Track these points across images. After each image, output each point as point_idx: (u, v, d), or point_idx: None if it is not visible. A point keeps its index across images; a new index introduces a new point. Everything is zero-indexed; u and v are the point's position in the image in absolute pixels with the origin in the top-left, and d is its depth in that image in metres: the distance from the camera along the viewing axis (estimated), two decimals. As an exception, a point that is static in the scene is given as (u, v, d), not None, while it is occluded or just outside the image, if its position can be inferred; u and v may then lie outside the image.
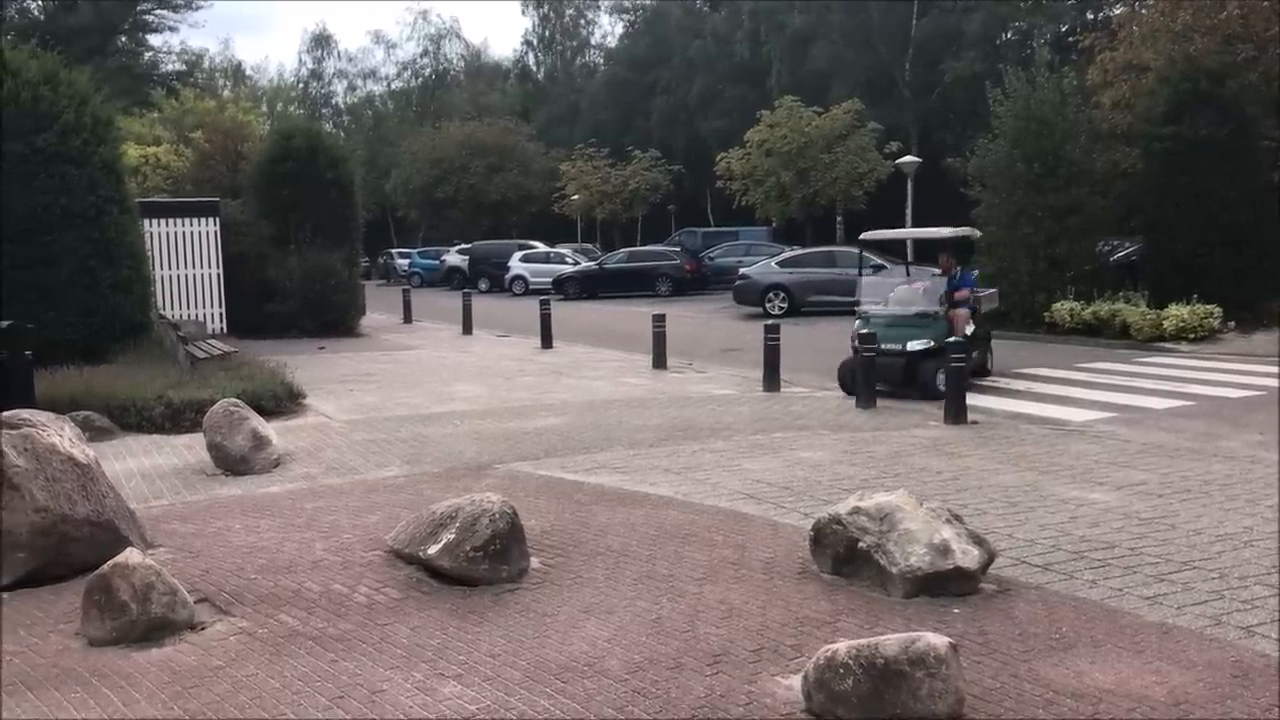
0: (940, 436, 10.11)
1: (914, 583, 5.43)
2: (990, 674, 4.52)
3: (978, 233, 14.18)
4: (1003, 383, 13.89)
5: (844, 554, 5.74)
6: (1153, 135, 20.50)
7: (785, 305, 25.51)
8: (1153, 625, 5.12)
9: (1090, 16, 39.80)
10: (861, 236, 15.26)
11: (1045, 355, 16.98)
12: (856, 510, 5.72)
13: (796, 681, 4.35)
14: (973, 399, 11.26)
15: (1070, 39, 34.54)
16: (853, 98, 39.21)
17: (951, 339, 11.94)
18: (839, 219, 40.05)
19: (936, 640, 4.06)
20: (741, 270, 27.78)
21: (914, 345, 12.67)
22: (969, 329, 12.91)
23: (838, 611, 5.28)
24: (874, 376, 12.10)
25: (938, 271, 14.15)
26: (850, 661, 4.06)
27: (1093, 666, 4.60)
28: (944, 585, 5.45)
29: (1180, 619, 5.21)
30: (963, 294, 13.35)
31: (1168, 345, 17.63)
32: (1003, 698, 4.29)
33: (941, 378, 12.01)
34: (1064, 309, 19.43)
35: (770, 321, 14.32)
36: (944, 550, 5.47)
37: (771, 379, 13.14)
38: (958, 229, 15.73)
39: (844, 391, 12.78)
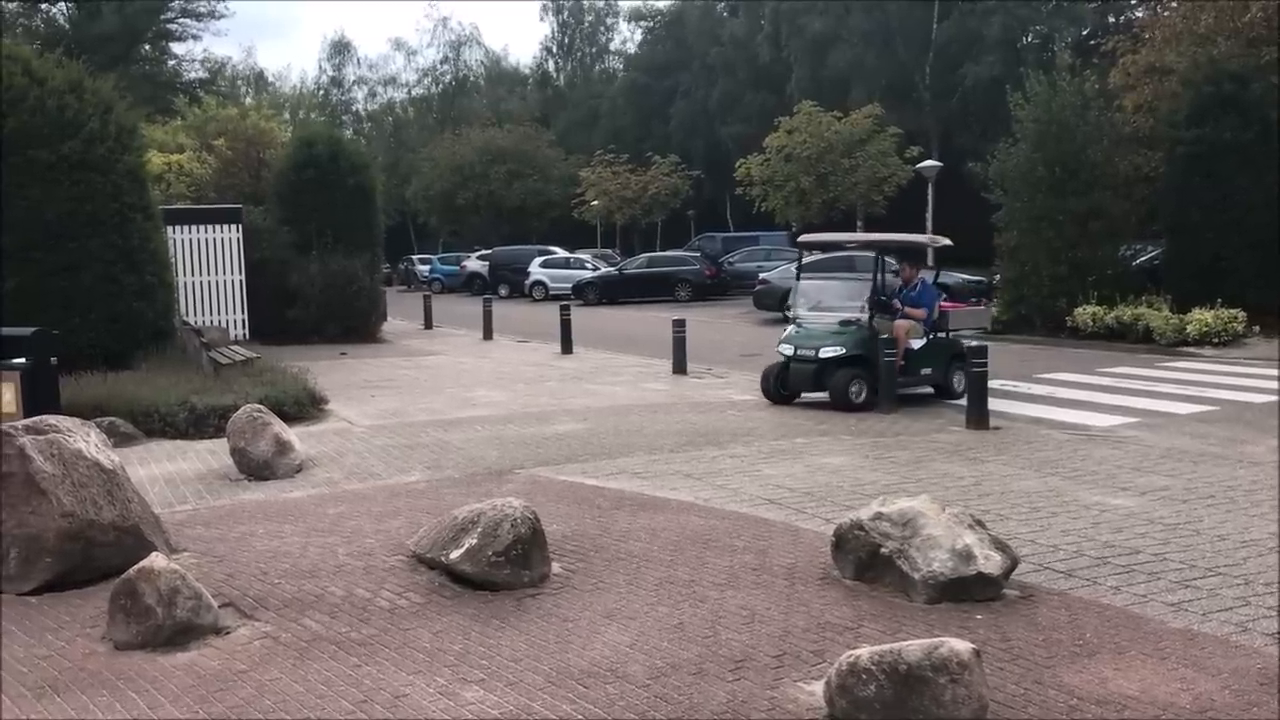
0: (962, 441, 10.08)
1: (936, 588, 5.41)
2: (1014, 680, 4.50)
3: (943, 240, 13.55)
4: (1024, 387, 13.83)
5: (866, 560, 5.73)
6: (1176, 138, 20.40)
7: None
8: (1177, 632, 5.09)
9: (1112, 20, 39.62)
10: (800, 239, 14.48)
11: (1067, 360, 16.90)
12: (879, 516, 5.71)
13: (819, 687, 4.35)
14: (994, 403, 11.19)
15: (1091, 42, 34.48)
16: (873, 102, 39.13)
17: (895, 349, 11.84)
18: (859, 224, 39.97)
19: (960, 646, 4.05)
20: (762, 275, 27.77)
21: (826, 352, 12.15)
22: (916, 343, 12.44)
23: (860, 617, 5.27)
24: (790, 381, 12.19)
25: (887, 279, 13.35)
26: (873, 667, 4.05)
27: (1117, 673, 4.57)
28: (967, 591, 5.43)
29: (1205, 625, 5.18)
30: (918, 312, 12.66)
31: (1191, 350, 17.52)
32: (1026, 704, 4.27)
33: (855, 388, 11.85)
34: (1086, 313, 19.34)
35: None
36: (966, 556, 5.45)
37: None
38: (910, 236, 15.35)
39: (765, 398, 12.57)
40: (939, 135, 45.41)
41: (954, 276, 26.37)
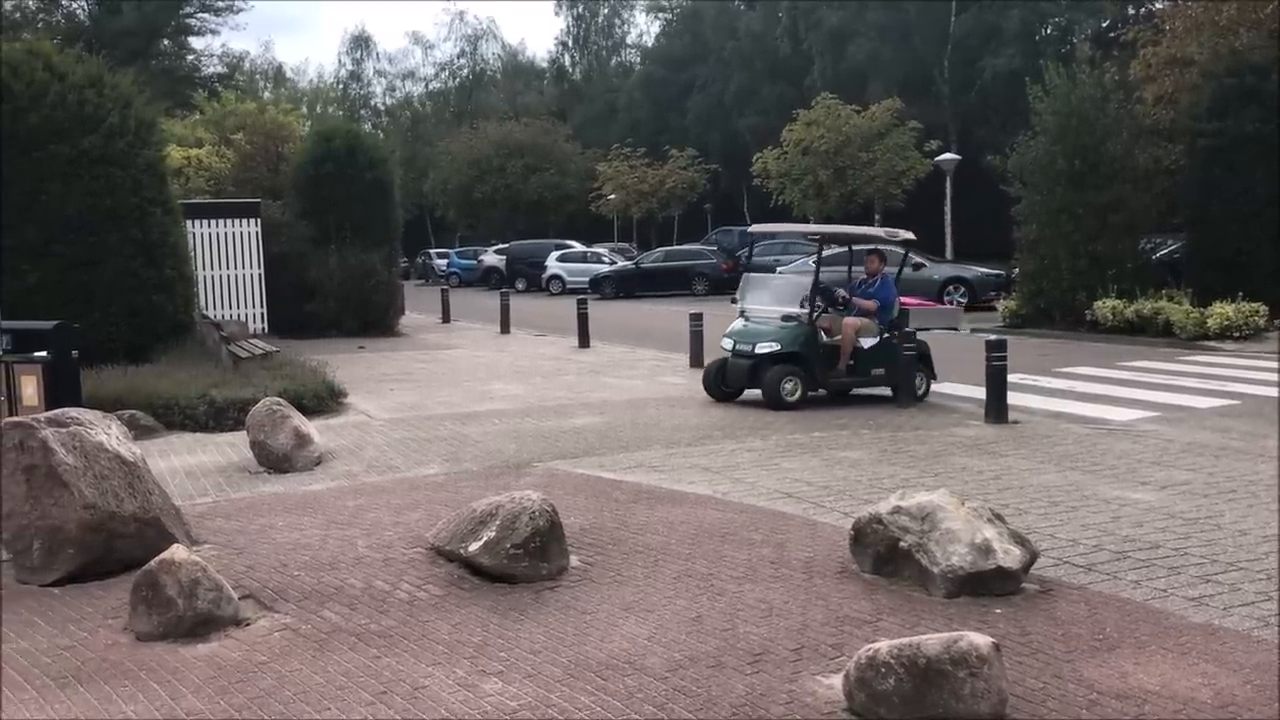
0: (981, 436, 10.05)
1: (955, 582, 5.40)
2: (1033, 674, 4.49)
3: (902, 235, 13.00)
4: (1044, 381, 13.77)
5: (885, 553, 5.72)
6: (1197, 131, 20.27)
7: (964, 304, 25.37)
8: (1198, 626, 5.06)
9: (1132, 11, 39.33)
10: (749, 229, 14.53)
11: (1087, 354, 16.82)
12: (897, 510, 5.70)
13: (837, 681, 4.34)
14: (1013, 397, 11.15)
15: (1111, 34, 34.24)
16: (891, 96, 38.99)
17: (860, 346, 11.63)
18: (877, 217, 39.85)
19: (979, 640, 4.04)
20: (779, 269, 27.70)
21: (761, 348, 11.83)
22: (867, 341, 12.02)
23: (878, 611, 5.26)
24: (728, 377, 12.01)
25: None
26: (892, 661, 4.04)
27: (1137, 668, 4.55)
28: (986, 585, 5.42)
29: (1227, 620, 5.15)
30: (867, 304, 12.25)
31: (1212, 344, 17.41)
32: (1046, 698, 4.26)
33: (789, 386, 11.54)
34: (1106, 307, 19.24)
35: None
36: (986, 550, 5.44)
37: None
38: (866, 229, 14.98)
39: (707, 394, 12.35)
40: (957, 129, 45.21)
41: (973, 270, 26.39)
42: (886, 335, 12.17)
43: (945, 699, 3.95)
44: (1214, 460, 8.78)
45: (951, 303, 24.77)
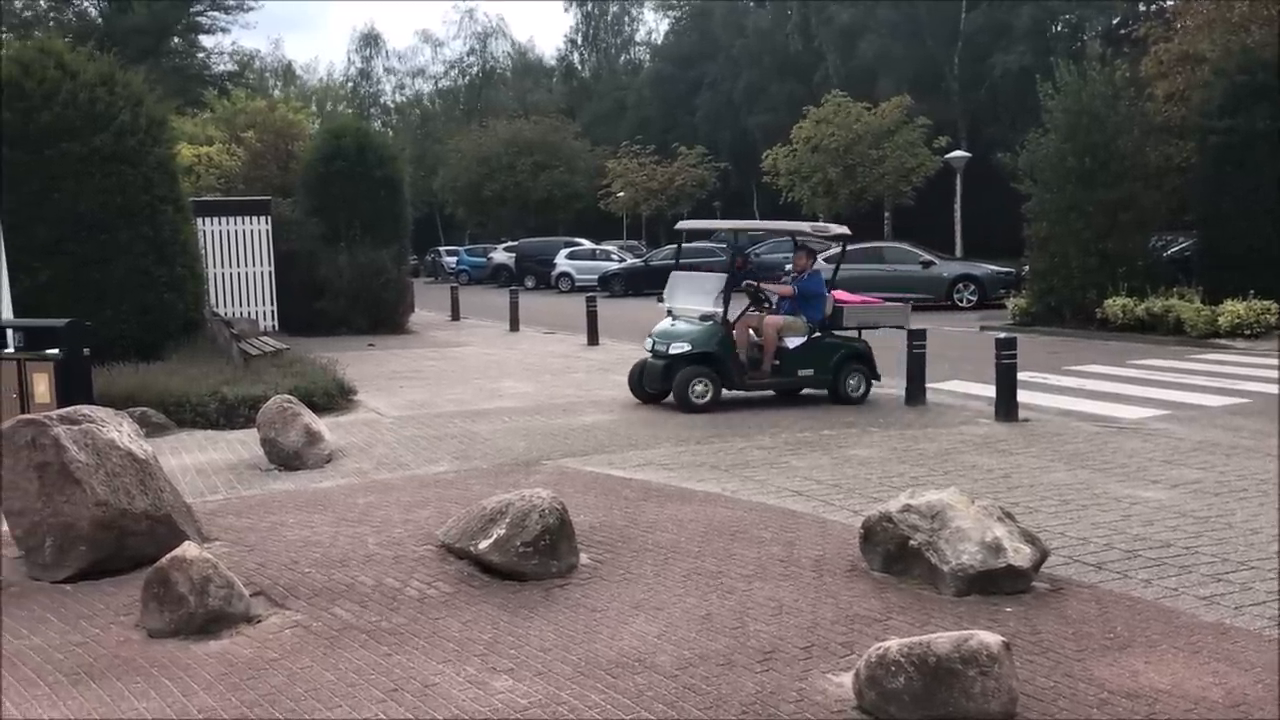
0: (991, 434, 10.03)
1: (965, 581, 5.39)
2: (1043, 673, 4.48)
3: (834, 229, 12.77)
4: (1054, 380, 13.74)
5: (894, 552, 5.71)
6: (1208, 128, 20.18)
7: (911, 303, 25.36)
8: (1209, 625, 5.05)
9: (1143, 8, 39.23)
10: (678, 225, 13.72)
11: (1097, 352, 16.78)
12: (907, 508, 5.70)
13: (847, 679, 4.35)
14: (1023, 396, 11.13)
15: (1122, 31, 34.14)
16: (901, 93, 38.93)
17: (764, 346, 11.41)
18: (887, 215, 39.82)
19: (989, 638, 4.03)
20: (787, 267, 27.68)
21: (675, 349, 11.58)
22: (793, 341, 11.77)
23: (888, 609, 5.26)
24: (646, 379, 11.84)
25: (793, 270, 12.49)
26: (902, 659, 4.04)
27: (1148, 666, 4.54)
28: (996, 584, 5.41)
29: (1238, 619, 5.14)
30: (781, 289, 12.14)
31: (1223, 342, 17.35)
32: (1056, 697, 4.25)
33: (699, 388, 11.26)
34: (1116, 305, 19.18)
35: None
36: (996, 548, 5.43)
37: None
38: (794, 224, 14.64)
39: (632, 394, 12.10)
40: (967, 126, 45.13)
41: (983, 268, 26.35)
42: (817, 335, 11.92)
43: (955, 698, 3.95)
44: (1225, 459, 8.76)
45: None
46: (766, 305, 12.22)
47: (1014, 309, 21.61)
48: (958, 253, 30.46)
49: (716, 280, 12.12)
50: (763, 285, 12.26)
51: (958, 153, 31.95)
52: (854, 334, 12.39)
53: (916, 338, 11.87)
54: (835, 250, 28.05)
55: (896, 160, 37.17)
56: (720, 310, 11.59)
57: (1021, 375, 11.32)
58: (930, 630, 4.69)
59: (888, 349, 12.79)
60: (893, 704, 4.04)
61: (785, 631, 4.97)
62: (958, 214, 31.31)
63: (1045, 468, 8.50)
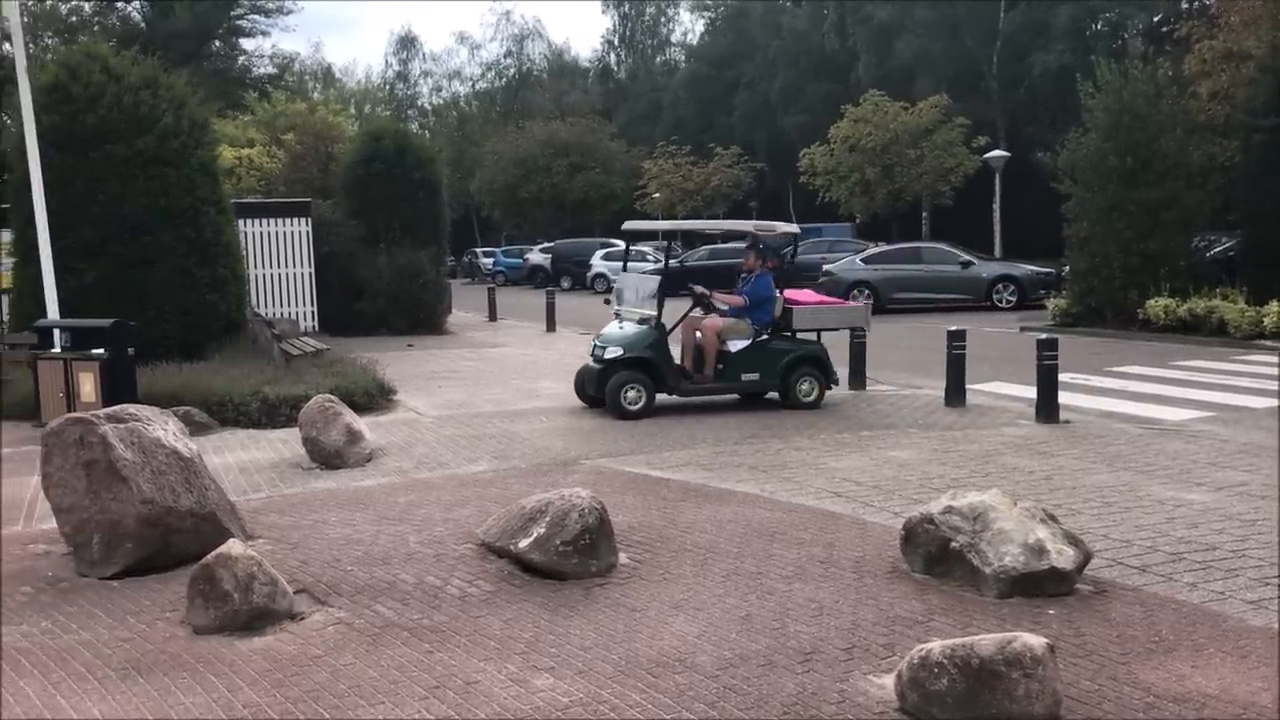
0: (1032, 435, 9.95)
1: (1008, 583, 5.35)
2: (1088, 676, 4.44)
3: (782, 227, 12.45)
4: (1095, 381, 13.61)
5: (936, 553, 5.68)
6: (1253, 127, 19.90)
7: (870, 302, 25.22)
8: (1258, 630, 4.99)
9: (1185, 5, 38.75)
10: (624, 226, 13.17)
11: (1139, 353, 16.60)
12: (949, 509, 5.66)
13: (889, 681, 4.33)
14: (1064, 397, 11.03)
15: (1164, 28, 33.74)
16: (939, 93, 38.71)
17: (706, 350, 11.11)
18: (925, 215, 39.59)
19: (1033, 640, 4.00)
20: (825, 267, 27.58)
21: (610, 353, 11.31)
22: (735, 344, 11.43)
23: (930, 611, 5.23)
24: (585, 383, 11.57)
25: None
26: (945, 661, 4.02)
27: (1195, 671, 4.49)
28: (1038, 586, 5.37)
29: (1287, 624, 5.07)
30: (732, 300, 11.68)
31: (1267, 342, 17.10)
32: (1101, 700, 4.22)
33: (632, 394, 10.97)
34: (1158, 306, 18.96)
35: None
36: (1039, 550, 5.39)
37: (857, 377, 13.02)
38: (742, 223, 14.31)
39: (579, 399, 11.86)
40: (1006, 125, 44.79)
41: (1022, 268, 26.15)
42: (764, 337, 11.60)
43: (999, 700, 3.92)
44: (1270, 461, 8.63)
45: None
46: (709, 306, 11.91)
47: (1054, 310, 21.42)
48: (997, 253, 30.23)
49: (645, 283, 11.95)
50: (715, 296, 11.89)
51: (996, 152, 31.70)
52: (812, 335, 12.00)
53: (956, 339, 11.78)
54: (876, 249, 28.05)
55: (934, 160, 36.96)
56: (654, 314, 11.29)
57: (1062, 376, 11.21)
58: (972, 632, 4.66)
59: (930, 350, 12.71)
60: (935, 706, 4.02)
61: (826, 632, 4.96)
62: (996, 214, 31.06)
63: (1087, 470, 8.42)
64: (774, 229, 12.52)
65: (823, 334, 12.12)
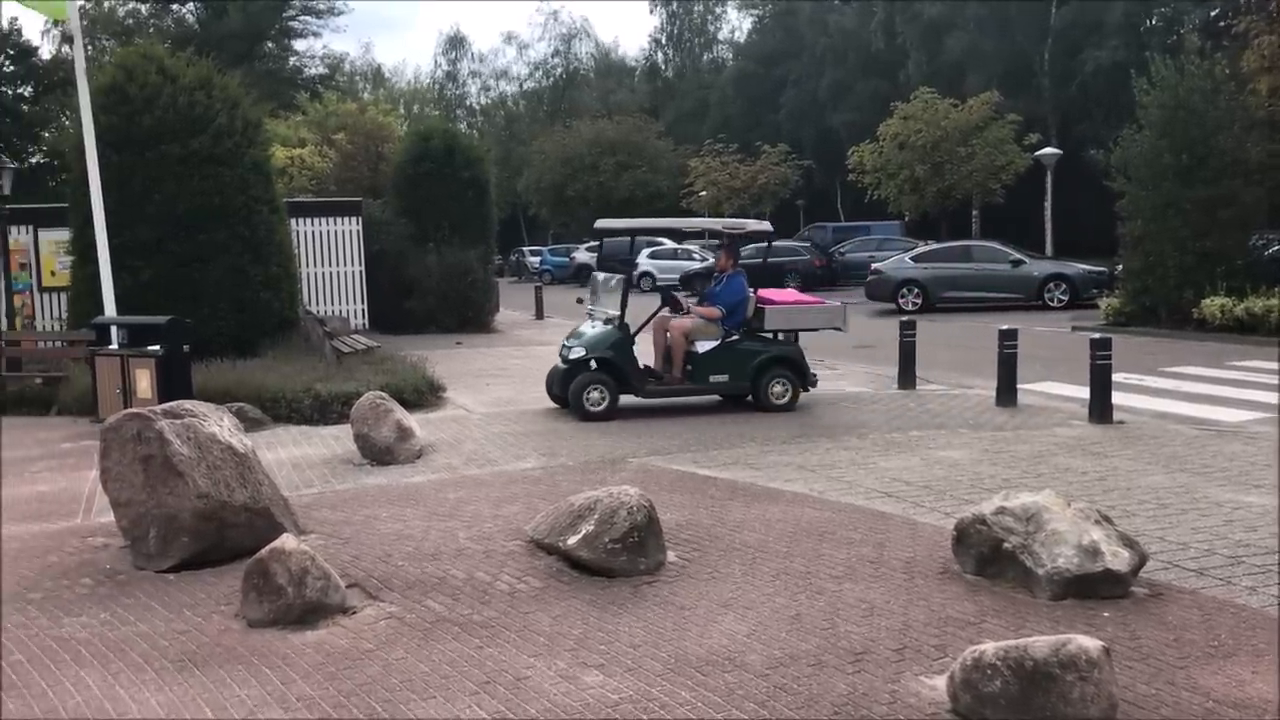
0: (1084, 436, 9.82)
1: (1061, 585, 5.29)
2: (1144, 680, 4.38)
3: (751, 224, 12.12)
4: (1149, 381, 13.41)
5: (988, 554, 5.63)
6: (1313, 122, 19.53)
7: (919, 301, 25.06)
8: (1319, 635, 4.89)
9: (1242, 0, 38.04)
10: (596, 224, 12.86)
11: (1194, 353, 16.33)
12: (1001, 510, 5.61)
13: (941, 682, 4.29)
14: (1117, 397, 10.88)
15: (1221, 24, 33.16)
16: (990, 89, 38.31)
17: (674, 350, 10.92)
18: (975, 213, 39.20)
19: (1088, 643, 3.95)
20: (874, 265, 27.41)
21: (574, 354, 11.17)
22: (704, 345, 11.22)
23: (982, 612, 5.18)
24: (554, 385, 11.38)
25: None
26: (998, 663, 3.98)
27: (1255, 676, 4.41)
28: (1092, 588, 5.30)
29: (1349, 629, 4.97)
30: (707, 312, 11.45)
31: (1328, 343, 16.76)
32: (1158, 705, 4.16)
33: (595, 395, 10.82)
34: (1214, 305, 18.63)
35: (906, 318, 14.09)
36: (1093, 552, 5.32)
37: (907, 376, 12.93)
38: (703, 220, 13.91)
39: (550, 399, 11.67)
40: (1058, 122, 44.25)
41: (1074, 267, 25.82)
42: (734, 338, 11.38)
43: (1053, 703, 3.88)
44: (1333, 464, 8.46)
45: (1055, 301, 24.22)
46: (678, 305, 11.79)
47: (1107, 309, 21.13)
48: (1048, 251, 29.89)
49: (610, 283, 11.80)
50: (693, 310, 11.72)
51: (1048, 150, 31.33)
52: (790, 336, 11.77)
53: (1007, 338, 11.65)
54: (925, 248, 27.80)
55: (985, 157, 36.60)
56: (616, 314, 11.16)
57: (1116, 376, 11.06)
58: (1025, 634, 4.62)
59: (980, 349, 12.59)
60: (988, 708, 3.98)
61: (876, 633, 4.93)
62: (1048, 212, 30.70)
63: (1142, 471, 8.30)
64: (743, 226, 12.40)
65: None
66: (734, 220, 12.19)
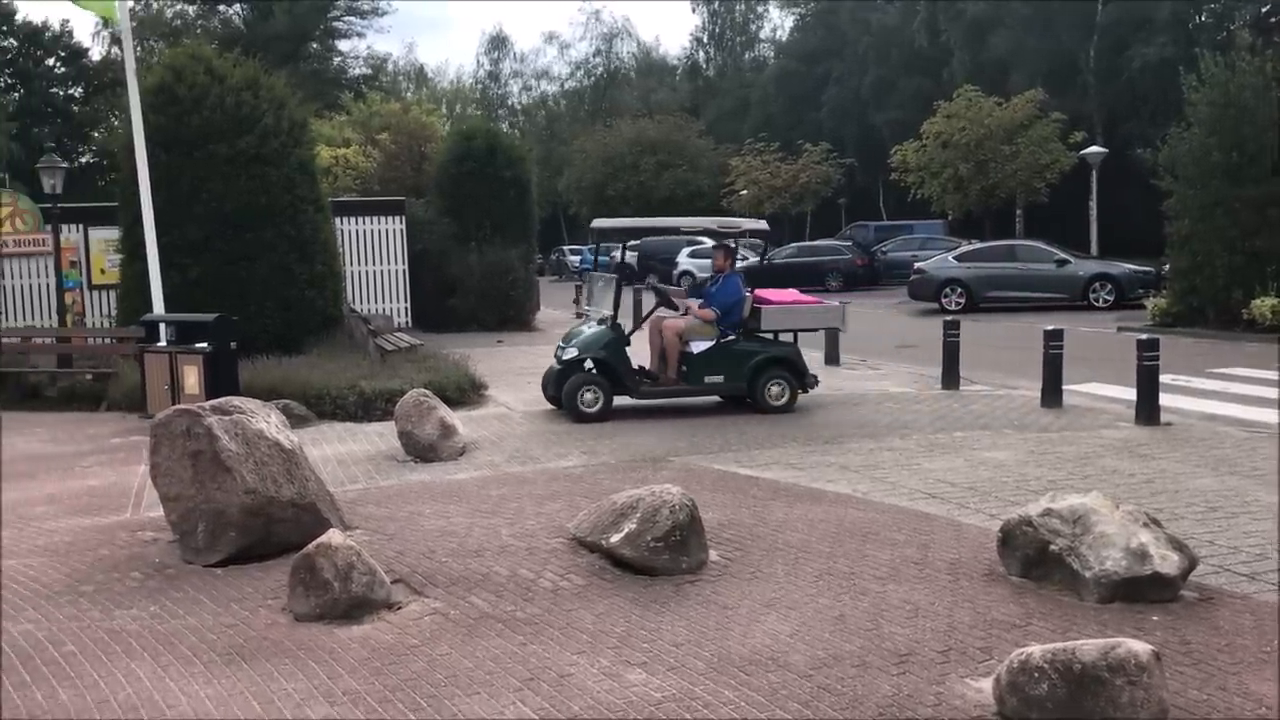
0: (1131, 438, 9.70)
1: (1109, 588, 5.23)
2: (1195, 685, 4.32)
3: (746, 224, 11.98)
4: (1197, 382, 13.22)
5: (1034, 557, 5.57)
6: (1368, 120, 19.13)
7: (963, 301, 24.85)
8: (1374, 642, 4.80)
9: (1296, -5, 37.44)
10: (593, 224, 12.69)
11: (1244, 355, 16.08)
12: (1048, 512, 5.55)
13: (987, 684, 4.26)
14: (1164, 399, 10.73)
15: (1273, 19, 32.65)
16: (1034, 87, 37.93)
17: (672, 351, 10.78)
18: (1019, 212, 38.84)
19: (1138, 647, 3.91)
20: (917, 265, 27.22)
21: (567, 355, 11.09)
22: (698, 345, 11.08)
23: (1028, 615, 5.14)
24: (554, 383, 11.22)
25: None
26: (1045, 665, 3.94)
27: (1308, 682, 4.35)
28: (1140, 591, 5.24)
29: (1406, 636, 4.87)
30: (703, 314, 11.27)
31: (1382, 345, 16.45)
32: (1210, 711, 4.10)
33: (589, 396, 10.74)
34: (1264, 306, 18.32)
35: (949, 317, 13.97)
36: (1141, 555, 5.26)
37: (951, 376, 12.83)
38: (695, 219, 13.75)
39: (547, 401, 11.54)
40: (1104, 121, 43.69)
41: (1120, 267, 25.50)
42: (730, 338, 11.24)
43: (1102, 707, 3.84)
44: (1388, 468, 8.31)
45: (1101, 301, 23.93)
46: (673, 304, 11.70)
47: (1153, 309, 20.84)
48: (1093, 251, 29.53)
49: (603, 283, 11.70)
50: (691, 311, 11.57)
51: (1094, 148, 30.97)
52: (789, 336, 11.65)
53: (1053, 338, 11.53)
54: (969, 247, 27.57)
55: (1029, 156, 36.23)
56: (608, 314, 11.10)
57: (1163, 378, 10.91)
58: (1072, 637, 4.57)
59: (1025, 350, 12.47)
60: (1035, 711, 3.95)
61: (921, 634, 4.90)
62: (1093, 211, 30.34)
63: (1190, 473, 8.19)
64: (737, 225, 12.25)
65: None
66: (729, 220, 12.10)
